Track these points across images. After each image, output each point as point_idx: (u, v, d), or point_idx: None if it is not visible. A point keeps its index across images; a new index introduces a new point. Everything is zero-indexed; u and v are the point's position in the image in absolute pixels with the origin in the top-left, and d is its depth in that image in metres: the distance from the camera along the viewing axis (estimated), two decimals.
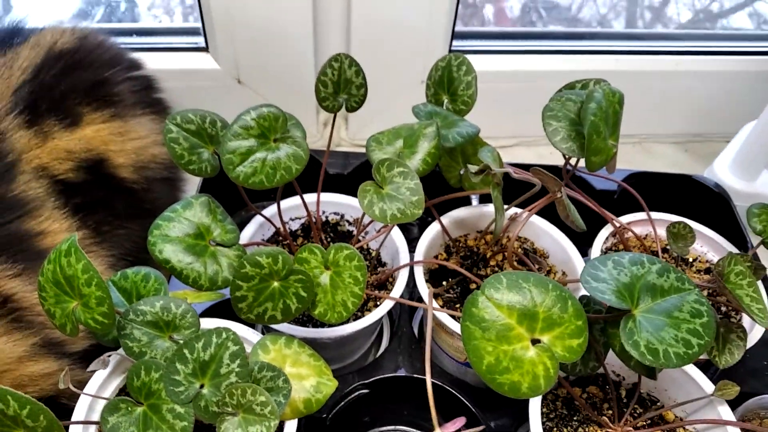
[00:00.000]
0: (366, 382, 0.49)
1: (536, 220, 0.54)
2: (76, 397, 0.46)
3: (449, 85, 0.50)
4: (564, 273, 0.53)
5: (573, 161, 0.46)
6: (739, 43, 0.81)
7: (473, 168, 0.40)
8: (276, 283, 0.40)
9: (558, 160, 0.54)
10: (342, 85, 0.49)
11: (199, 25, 0.71)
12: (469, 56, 0.74)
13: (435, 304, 0.45)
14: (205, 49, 0.73)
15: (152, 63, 0.64)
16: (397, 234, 0.51)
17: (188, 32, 0.74)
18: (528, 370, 0.32)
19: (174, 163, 0.60)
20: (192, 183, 0.64)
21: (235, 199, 0.49)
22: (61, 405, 0.46)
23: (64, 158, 0.51)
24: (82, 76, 0.55)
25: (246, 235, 0.51)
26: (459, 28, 0.73)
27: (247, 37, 0.69)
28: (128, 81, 0.58)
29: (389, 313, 0.55)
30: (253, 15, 0.67)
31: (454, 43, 0.74)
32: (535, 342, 0.33)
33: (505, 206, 0.48)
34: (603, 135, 0.44)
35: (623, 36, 0.86)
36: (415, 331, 0.55)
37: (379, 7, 0.68)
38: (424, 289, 0.47)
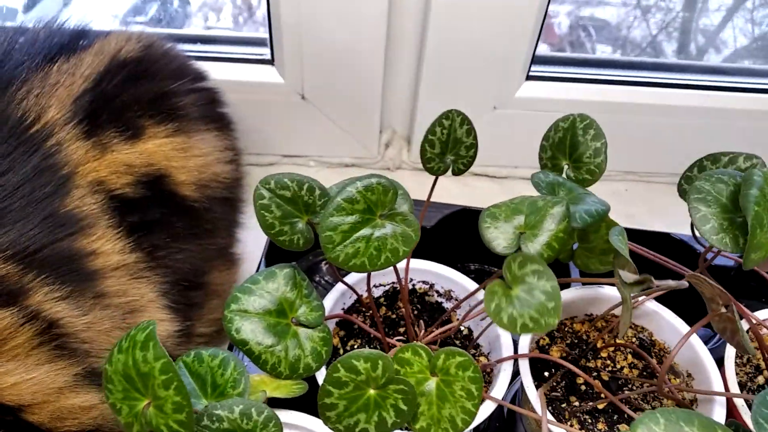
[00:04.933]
0: None
1: (656, 306, 0.50)
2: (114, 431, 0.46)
3: (572, 150, 0.46)
4: (689, 374, 0.48)
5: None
6: None
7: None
8: (372, 392, 0.36)
9: (633, 201, 0.48)
10: (450, 145, 0.45)
11: (265, 36, 0.68)
12: (545, 83, 0.71)
13: (549, 416, 0.41)
14: (270, 62, 0.69)
15: (214, 73, 0.61)
16: None
17: (253, 42, 0.70)
18: None
19: (236, 182, 0.58)
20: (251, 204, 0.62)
21: None
22: None
23: (122, 172, 0.50)
24: (146, 87, 0.52)
25: (326, 305, 0.47)
26: (539, 52, 0.69)
27: (316, 53, 0.66)
28: (193, 93, 0.56)
29: None
30: (325, 30, 0.64)
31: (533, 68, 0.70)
32: None
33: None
34: (766, 228, 0.40)
35: (708, 69, 0.80)
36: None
37: (456, 29, 0.64)
38: (532, 392, 0.43)
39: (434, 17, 0.62)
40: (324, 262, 0.71)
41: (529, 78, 0.69)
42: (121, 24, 1.54)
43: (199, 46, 0.71)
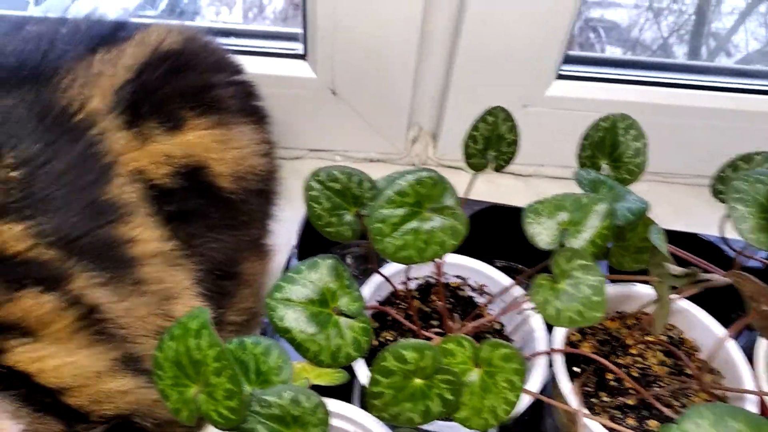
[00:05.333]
0: None
1: (687, 305, 0.50)
2: (149, 416, 0.47)
3: (612, 150, 0.46)
4: (718, 372, 0.49)
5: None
6: None
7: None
8: (419, 381, 0.37)
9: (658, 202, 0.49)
10: (493, 141, 0.46)
11: (299, 31, 0.68)
12: (575, 82, 0.71)
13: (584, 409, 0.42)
14: (303, 57, 0.70)
15: (247, 67, 0.61)
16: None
17: (286, 37, 0.71)
18: None
19: (270, 175, 0.59)
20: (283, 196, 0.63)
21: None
22: (135, 425, 0.47)
23: (162, 162, 0.50)
24: (187, 79, 0.53)
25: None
26: (570, 52, 0.70)
27: (349, 49, 0.67)
28: (231, 86, 0.56)
29: None
30: (359, 27, 0.65)
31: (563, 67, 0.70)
32: None
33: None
34: None
35: (734, 72, 0.79)
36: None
37: (491, 29, 0.65)
38: (567, 386, 0.44)
39: (470, 17, 0.63)
40: (349, 255, 0.72)
41: (559, 77, 0.69)
42: (131, 17, 1.54)
43: (232, 40, 0.71)
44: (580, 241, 0.41)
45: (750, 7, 1.01)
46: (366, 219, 0.40)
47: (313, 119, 0.74)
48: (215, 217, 0.54)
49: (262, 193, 0.57)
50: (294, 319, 0.40)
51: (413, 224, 0.37)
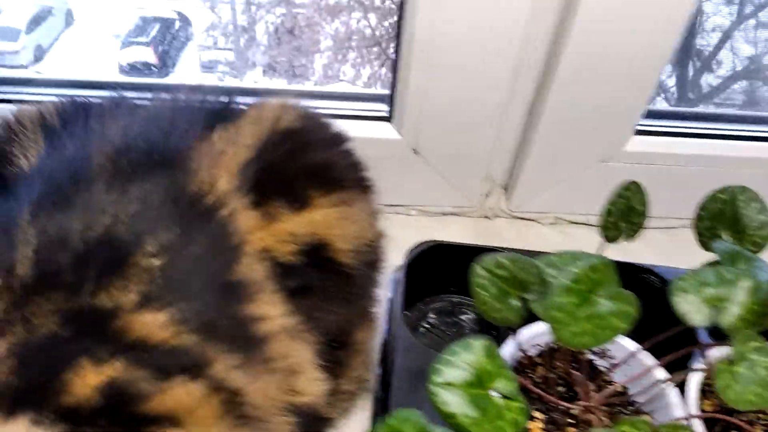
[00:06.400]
0: None
1: None
2: None
3: (734, 223, 0.48)
4: None
5: None
6: None
7: None
8: None
9: None
10: (625, 214, 0.48)
11: (384, 92, 0.70)
12: (652, 137, 0.74)
13: None
14: (388, 119, 0.72)
15: None
16: (663, 374, 0.50)
17: (368, 99, 0.73)
18: None
19: (379, 244, 0.60)
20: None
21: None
22: None
23: (288, 241, 0.51)
24: (310, 158, 0.54)
25: None
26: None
27: (435, 111, 0.69)
28: (347, 160, 0.58)
29: None
30: (449, 91, 0.67)
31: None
32: None
33: None
34: None
35: None
36: None
37: (580, 88, 0.67)
38: None
39: (559, 78, 0.65)
40: (432, 311, 0.73)
41: (637, 132, 0.72)
42: (123, 44, 1.53)
43: (318, 102, 0.73)
44: (729, 317, 0.43)
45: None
46: (532, 303, 0.41)
47: (391, 176, 0.75)
48: (333, 291, 0.54)
49: (372, 264, 0.58)
50: (457, 403, 0.41)
51: (588, 310, 0.39)
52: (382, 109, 0.73)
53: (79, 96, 0.59)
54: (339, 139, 0.58)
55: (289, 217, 0.52)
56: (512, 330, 0.47)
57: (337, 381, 0.57)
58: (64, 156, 0.52)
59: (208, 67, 1.54)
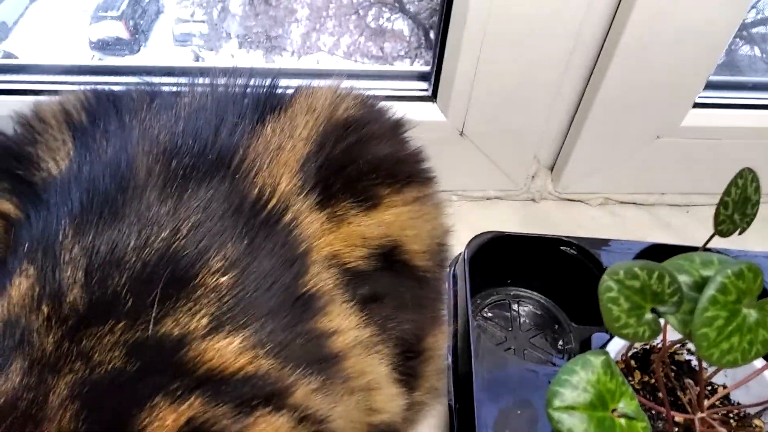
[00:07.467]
0: None
1: None
2: None
3: (743, 206, 0.45)
4: None
5: None
6: None
7: None
8: None
9: None
10: (740, 204, 0.44)
11: (426, 69, 0.64)
12: (711, 110, 0.70)
13: None
14: (432, 99, 0.66)
15: None
16: None
17: (410, 77, 0.67)
18: None
19: (447, 241, 0.55)
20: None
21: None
22: None
23: (358, 245, 0.46)
24: (376, 151, 0.48)
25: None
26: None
27: (485, 92, 0.63)
28: (412, 150, 0.52)
29: None
30: (501, 72, 0.62)
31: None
32: None
33: None
34: None
35: None
36: None
37: (640, 64, 0.62)
38: None
39: (621, 51, 0.60)
40: (487, 307, 0.69)
41: (695, 105, 0.68)
42: (92, 19, 1.45)
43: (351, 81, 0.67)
44: None
45: None
46: (668, 317, 0.37)
47: (433, 159, 0.70)
48: (406, 297, 0.49)
49: (443, 262, 0.54)
50: (582, 429, 0.37)
51: (737, 324, 0.35)
52: (421, 87, 0.68)
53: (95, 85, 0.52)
54: (400, 126, 0.53)
55: (359, 219, 0.46)
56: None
57: (412, 394, 0.52)
58: (102, 159, 0.45)
59: (182, 40, 1.46)
